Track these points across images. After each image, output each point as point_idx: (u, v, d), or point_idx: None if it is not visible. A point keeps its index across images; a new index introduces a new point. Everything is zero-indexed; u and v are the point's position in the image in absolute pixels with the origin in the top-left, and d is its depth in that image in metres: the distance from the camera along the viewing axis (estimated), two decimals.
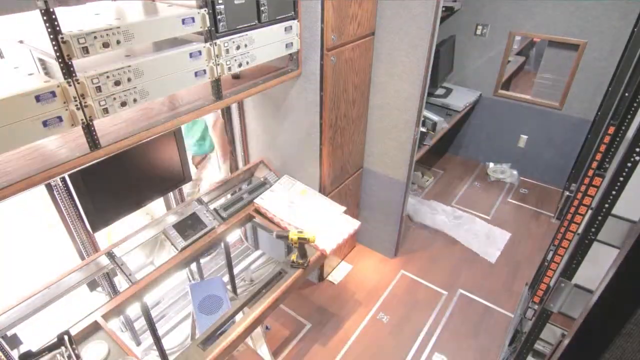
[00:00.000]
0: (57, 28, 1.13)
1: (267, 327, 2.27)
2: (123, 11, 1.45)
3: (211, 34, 1.54)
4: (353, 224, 2.26)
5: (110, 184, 1.86)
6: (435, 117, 3.32)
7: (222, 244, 2.36)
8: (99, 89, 1.24)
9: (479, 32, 3.72)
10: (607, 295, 0.75)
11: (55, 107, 1.16)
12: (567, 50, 3.48)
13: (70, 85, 1.18)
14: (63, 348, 1.43)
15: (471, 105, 3.85)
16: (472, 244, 3.24)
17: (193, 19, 1.45)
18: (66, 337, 1.45)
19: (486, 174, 4.13)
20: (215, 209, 2.18)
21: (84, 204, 1.78)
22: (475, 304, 2.77)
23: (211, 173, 2.86)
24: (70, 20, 1.25)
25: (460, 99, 3.76)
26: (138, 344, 2.37)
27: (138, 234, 1.95)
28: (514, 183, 4.01)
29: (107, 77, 1.25)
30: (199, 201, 2.19)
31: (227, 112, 2.57)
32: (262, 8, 1.70)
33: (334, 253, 2.32)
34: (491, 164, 4.16)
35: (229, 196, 2.44)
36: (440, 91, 3.86)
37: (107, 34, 1.22)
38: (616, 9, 3.03)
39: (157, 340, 2.04)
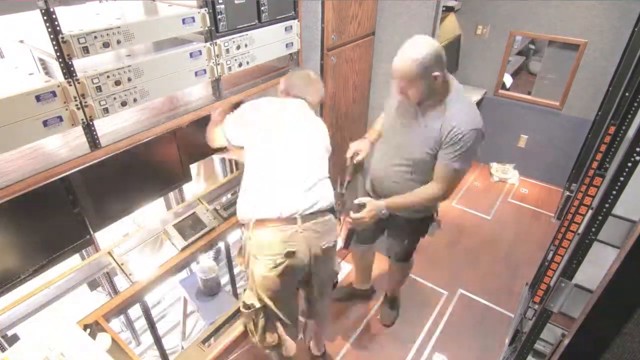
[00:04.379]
0: (58, 28, 1.13)
1: None
2: (123, 11, 1.45)
3: (211, 34, 1.54)
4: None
5: (110, 184, 1.86)
6: None
7: (222, 244, 2.36)
8: (99, 88, 1.25)
9: (479, 32, 3.72)
10: (607, 295, 0.75)
11: (56, 107, 1.16)
12: (568, 50, 3.48)
13: (70, 85, 1.18)
14: None
15: (477, 102, 3.84)
16: None
17: (193, 18, 1.45)
18: None
19: (490, 174, 4.13)
20: (215, 209, 2.18)
21: (84, 204, 1.78)
22: (476, 304, 2.77)
23: None
24: (70, 20, 1.25)
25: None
26: (138, 344, 2.38)
27: (138, 233, 1.95)
28: (516, 183, 4.01)
29: (108, 76, 1.26)
30: (199, 201, 2.19)
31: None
32: (262, 8, 1.70)
33: None
34: (494, 164, 4.15)
35: (229, 196, 2.43)
36: None
37: (107, 34, 1.22)
38: (616, 9, 3.03)
39: (157, 340, 2.04)
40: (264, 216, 1.51)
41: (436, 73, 1.52)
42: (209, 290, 2.20)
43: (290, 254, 1.51)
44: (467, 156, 1.61)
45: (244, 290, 1.71)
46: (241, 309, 1.65)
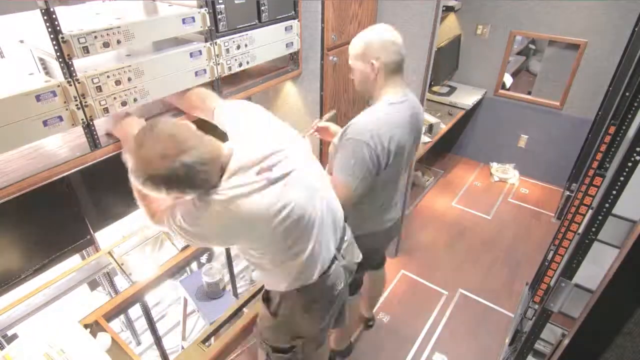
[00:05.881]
0: (58, 28, 1.12)
1: None
2: (123, 11, 1.45)
3: (211, 34, 1.54)
4: None
5: (111, 184, 1.85)
6: (432, 119, 3.31)
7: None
8: (99, 88, 1.24)
9: (479, 32, 3.72)
10: (607, 295, 0.75)
11: (56, 106, 1.16)
12: (568, 50, 3.48)
13: (70, 85, 1.18)
14: None
15: (477, 102, 3.84)
16: None
17: (193, 18, 1.45)
18: None
19: (490, 174, 4.12)
20: None
21: (84, 204, 1.78)
22: (476, 304, 2.77)
23: None
24: (70, 19, 1.25)
25: (465, 97, 3.77)
26: (138, 344, 2.38)
27: (138, 233, 1.95)
28: (516, 183, 4.01)
29: (108, 76, 1.25)
30: None
31: None
32: (262, 8, 1.70)
33: None
34: (495, 164, 4.15)
35: None
36: (444, 89, 3.87)
37: (107, 34, 1.22)
38: (616, 9, 3.03)
39: (157, 340, 2.04)
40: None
41: (373, 61, 1.44)
42: (213, 293, 2.19)
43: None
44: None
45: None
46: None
